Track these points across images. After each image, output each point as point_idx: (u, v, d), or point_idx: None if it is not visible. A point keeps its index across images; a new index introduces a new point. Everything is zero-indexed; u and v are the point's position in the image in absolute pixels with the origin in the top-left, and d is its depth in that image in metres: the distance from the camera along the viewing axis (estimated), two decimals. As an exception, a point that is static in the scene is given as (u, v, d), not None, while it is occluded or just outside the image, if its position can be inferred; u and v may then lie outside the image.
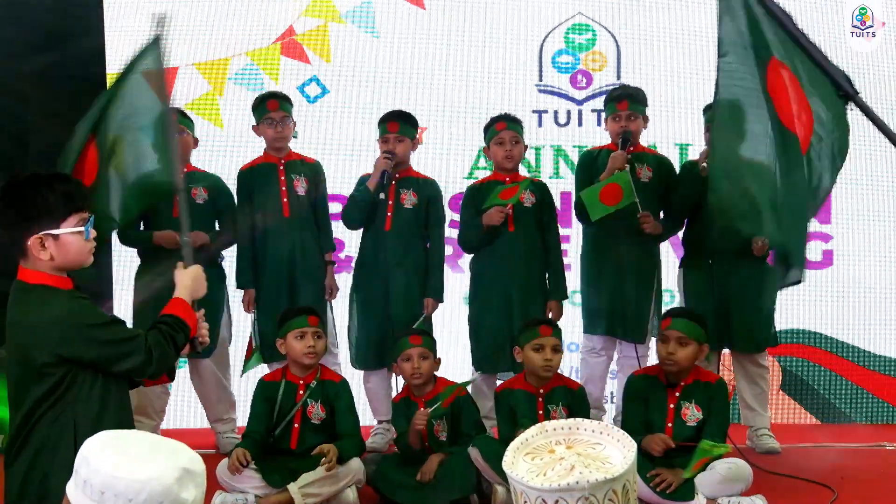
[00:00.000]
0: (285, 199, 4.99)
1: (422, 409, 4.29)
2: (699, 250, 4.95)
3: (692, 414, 4.26)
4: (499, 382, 4.87)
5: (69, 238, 2.69)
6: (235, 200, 5.03)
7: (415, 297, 4.94)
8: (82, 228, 2.71)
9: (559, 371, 4.47)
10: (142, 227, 4.95)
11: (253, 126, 5.08)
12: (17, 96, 5.83)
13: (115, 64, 5.69)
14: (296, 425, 4.33)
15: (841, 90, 3.32)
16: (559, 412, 4.33)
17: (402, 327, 4.76)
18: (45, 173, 2.73)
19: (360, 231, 5.05)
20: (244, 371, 4.86)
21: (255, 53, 5.79)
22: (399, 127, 4.94)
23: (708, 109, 4.81)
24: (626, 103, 4.91)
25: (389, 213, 4.92)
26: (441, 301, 5.01)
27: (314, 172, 5.11)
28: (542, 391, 4.37)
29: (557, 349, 4.36)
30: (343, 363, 5.12)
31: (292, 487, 4.08)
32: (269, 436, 4.33)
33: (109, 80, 5.65)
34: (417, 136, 5.06)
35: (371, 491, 4.29)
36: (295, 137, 5.15)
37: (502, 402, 4.41)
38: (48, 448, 2.67)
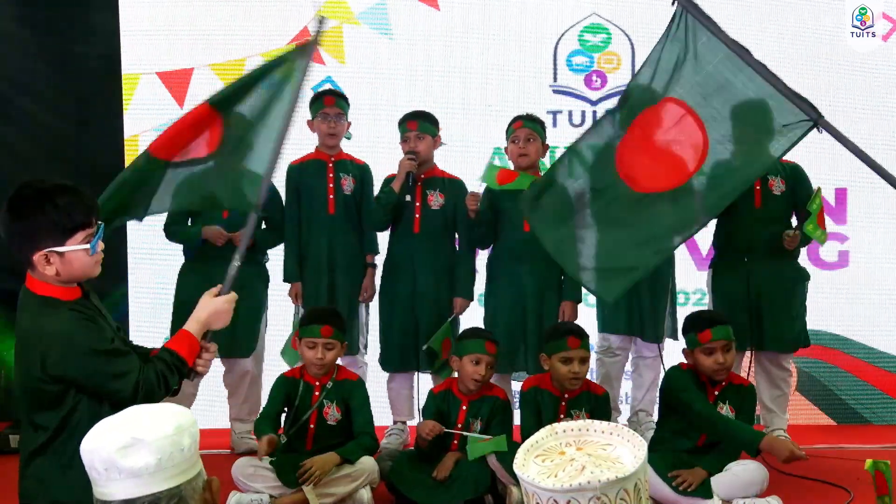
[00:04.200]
0: (331, 197, 4.99)
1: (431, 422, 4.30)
2: (732, 249, 4.91)
3: (726, 413, 4.28)
4: (515, 383, 4.89)
5: (74, 255, 2.65)
6: (283, 198, 5.03)
7: (443, 300, 4.94)
8: (87, 246, 2.66)
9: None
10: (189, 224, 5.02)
11: (308, 121, 5.05)
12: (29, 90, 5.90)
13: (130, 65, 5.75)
14: (311, 426, 4.35)
15: (806, 115, 3.42)
16: (581, 417, 4.32)
17: (428, 330, 4.78)
18: (51, 185, 2.65)
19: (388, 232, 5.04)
20: (289, 359, 4.82)
21: (270, 54, 5.75)
22: (418, 125, 4.92)
23: None
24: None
25: (417, 216, 4.92)
26: (471, 300, 5.00)
27: (362, 173, 5.10)
28: (566, 395, 4.38)
29: (585, 360, 4.34)
30: (371, 364, 5.12)
31: (307, 487, 4.10)
32: (280, 431, 4.35)
33: (126, 81, 5.73)
34: (438, 134, 5.03)
35: (386, 491, 4.30)
36: (348, 139, 5.13)
37: (529, 399, 4.41)
38: (57, 468, 2.65)
